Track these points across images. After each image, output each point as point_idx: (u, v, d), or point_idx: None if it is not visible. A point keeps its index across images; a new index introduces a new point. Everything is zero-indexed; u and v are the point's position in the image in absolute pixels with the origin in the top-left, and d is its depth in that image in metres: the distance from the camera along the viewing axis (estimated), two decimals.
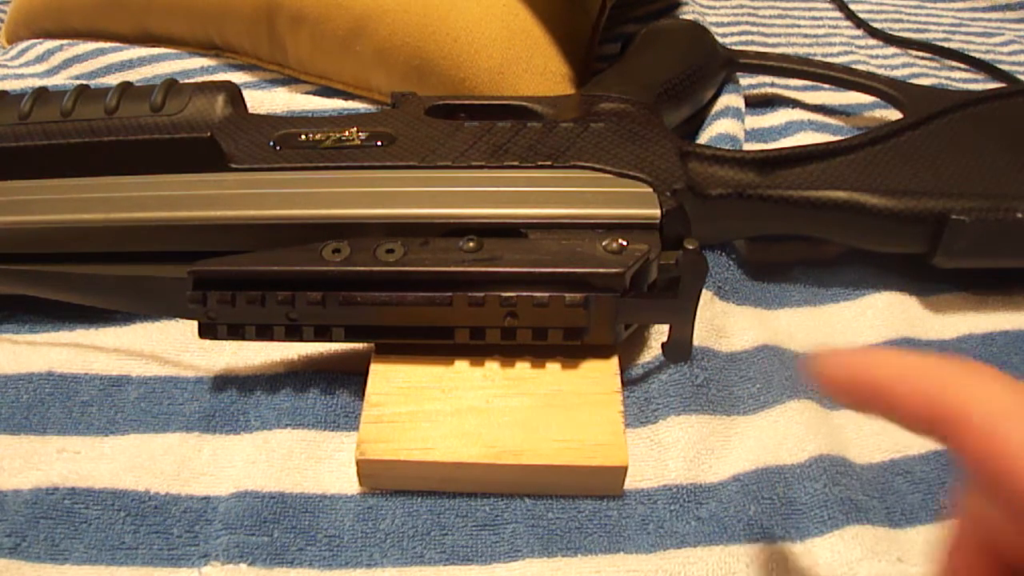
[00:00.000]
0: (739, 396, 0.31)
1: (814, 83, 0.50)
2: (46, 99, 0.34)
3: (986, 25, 0.68)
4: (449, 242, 0.29)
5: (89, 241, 0.31)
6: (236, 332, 0.29)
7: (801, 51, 0.61)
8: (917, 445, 0.30)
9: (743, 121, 0.46)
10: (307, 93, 0.49)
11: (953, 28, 0.67)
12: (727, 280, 0.36)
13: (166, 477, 0.28)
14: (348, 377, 0.31)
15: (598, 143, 0.34)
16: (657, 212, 0.30)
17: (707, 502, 0.27)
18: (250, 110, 0.37)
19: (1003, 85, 0.53)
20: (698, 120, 0.46)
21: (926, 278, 0.36)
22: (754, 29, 0.65)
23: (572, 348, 0.29)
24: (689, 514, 0.27)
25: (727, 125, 0.44)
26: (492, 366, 0.30)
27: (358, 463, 0.27)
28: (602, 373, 0.29)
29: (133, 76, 0.50)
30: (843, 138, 0.37)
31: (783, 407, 0.31)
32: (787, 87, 0.52)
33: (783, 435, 0.30)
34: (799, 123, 0.48)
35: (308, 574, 0.25)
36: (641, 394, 0.31)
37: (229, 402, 0.30)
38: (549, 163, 0.33)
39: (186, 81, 0.36)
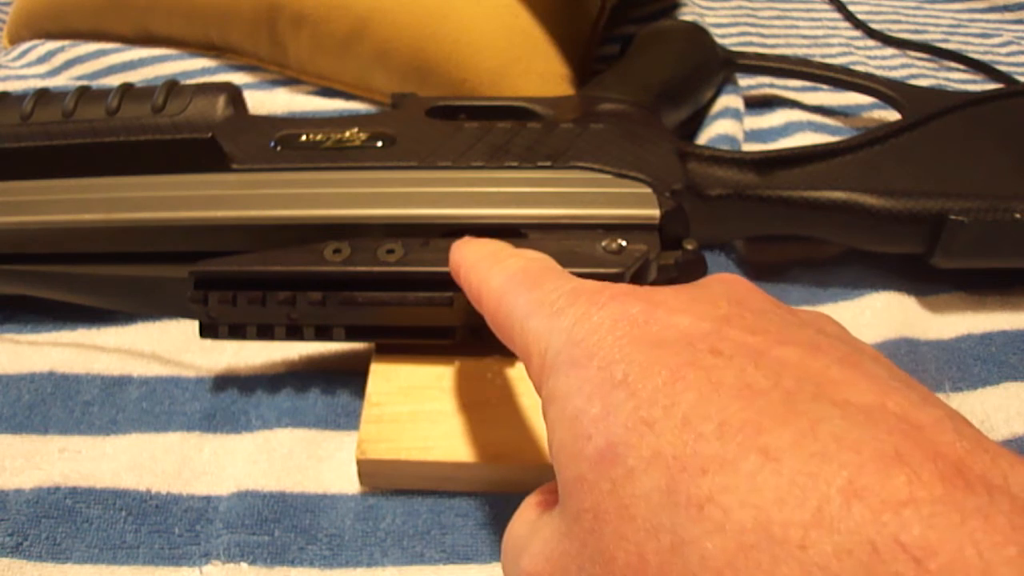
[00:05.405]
0: None
1: (813, 84, 0.50)
2: (48, 100, 0.34)
3: (984, 26, 0.68)
4: (449, 242, 0.29)
5: (91, 241, 0.31)
6: (237, 332, 0.29)
7: (800, 52, 0.61)
8: None
9: (742, 122, 0.46)
10: (308, 94, 0.49)
11: (951, 29, 0.67)
12: None
13: (167, 476, 0.28)
14: (348, 377, 0.31)
15: (597, 144, 0.34)
16: (656, 212, 0.30)
17: None
18: (251, 111, 0.37)
19: (1001, 86, 0.53)
20: (697, 121, 0.46)
21: (924, 278, 0.36)
22: (753, 30, 0.65)
23: None
24: None
25: (726, 126, 0.44)
26: (492, 366, 0.30)
27: (358, 462, 0.27)
28: None
29: (134, 77, 0.50)
30: (842, 139, 0.37)
31: None
32: (786, 88, 0.52)
33: None
34: (798, 124, 0.48)
35: (309, 573, 0.25)
36: None
37: (230, 402, 0.31)
38: (549, 164, 0.33)
39: (187, 82, 0.36)
